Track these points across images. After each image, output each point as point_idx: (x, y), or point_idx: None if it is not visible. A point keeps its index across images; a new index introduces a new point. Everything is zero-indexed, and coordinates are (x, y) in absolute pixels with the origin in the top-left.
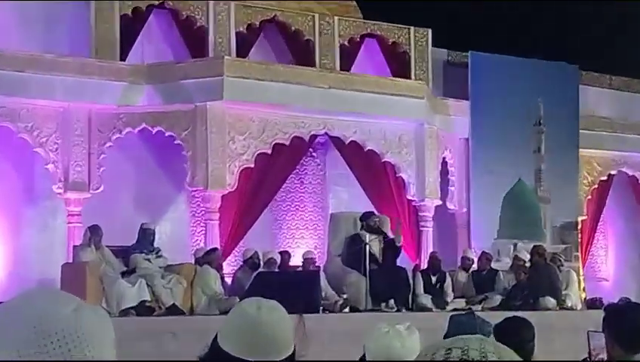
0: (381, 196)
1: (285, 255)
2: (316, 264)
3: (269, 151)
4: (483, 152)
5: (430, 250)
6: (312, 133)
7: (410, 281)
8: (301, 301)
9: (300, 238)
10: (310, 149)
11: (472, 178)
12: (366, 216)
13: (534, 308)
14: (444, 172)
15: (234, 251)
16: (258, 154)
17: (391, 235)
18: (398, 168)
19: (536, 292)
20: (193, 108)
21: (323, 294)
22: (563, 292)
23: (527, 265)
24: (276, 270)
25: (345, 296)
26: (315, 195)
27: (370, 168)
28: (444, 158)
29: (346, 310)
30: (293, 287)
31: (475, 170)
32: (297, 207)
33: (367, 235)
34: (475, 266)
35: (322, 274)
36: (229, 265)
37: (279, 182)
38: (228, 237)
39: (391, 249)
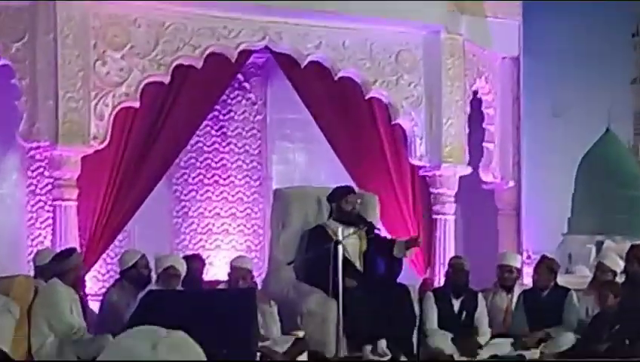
0: (363, 159)
1: (195, 262)
2: (252, 278)
3: (167, 80)
4: (545, 82)
5: (451, 253)
6: (243, 46)
7: (416, 308)
8: (223, 341)
9: (221, 233)
10: (239, 77)
11: (524, 127)
12: (338, 194)
13: (632, 355)
14: (477, 117)
15: (105, 255)
16: (146, 85)
17: (379, 226)
18: (394, 110)
19: (636, 327)
20: (33, 6)
21: (262, 330)
22: None
23: (620, 279)
24: (179, 287)
25: (300, 334)
26: (248, 158)
27: (344, 110)
28: (475, 93)
29: (303, 358)
30: (211, 317)
31: (530, 114)
32: (217, 178)
33: (341, 228)
34: (528, 282)
35: (271, 302)
36: (97, 280)
37: (185, 134)
38: (94, 230)
39: (380, 250)
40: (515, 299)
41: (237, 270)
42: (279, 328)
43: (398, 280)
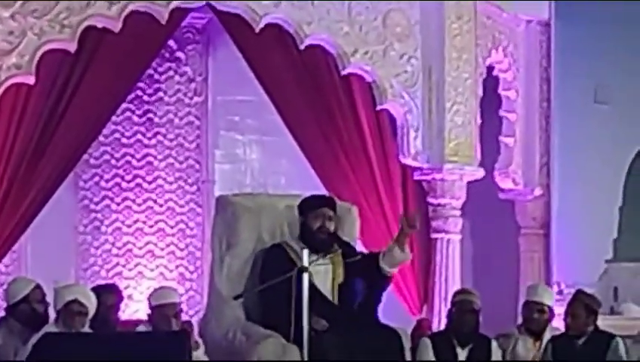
0: (338, 157)
1: (109, 295)
2: (180, 314)
3: (73, 47)
4: (585, 57)
5: (455, 286)
6: (177, 3)
7: (407, 359)
8: None
9: (145, 256)
10: (172, 45)
11: (555, 117)
12: (304, 206)
13: None
14: (492, 102)
15: None
16: (45, 54)
17: (359, 247)
18: (381, 91)
19: None
20: None
21: None
22: None
23: None
24: (86, 329)
25: None
26: (182, 155)
27: (313, 91)
28: (490, 69)
29: None
30: None
31: (564, 99)
32: (139, 181)
33: (307, 251)
34: (558, 325)
35: (197, 341)
36: None
37: (96, 121)
38: None
39: (362, 279)
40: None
41: (159, 309)
42: None
43: (385, 322)
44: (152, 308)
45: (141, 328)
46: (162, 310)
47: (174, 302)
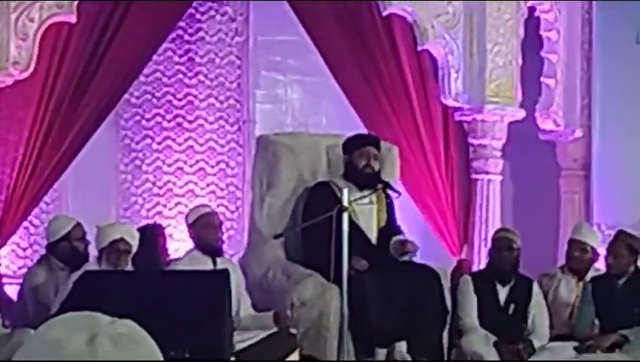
0: (379, 98)
1: (152, 233)
2: (225, 253)
3: None
4: None
5: (496, 226)
6: None
7: (448, 299)
8: (188, 338)
9: (185, 195)
10: None
11: (597, 58)
12: (352, 144)
13: None
14: (533, 42)
15: (27, 222)
16: None
17: (398, 188)
18: (422, 31)
19: None
20: None
21: (235, 324)
22: None
23: None
24: (129, 267)
25: (292, 331)
26: (223, 94)
27: (354, 32)
28: (531, 10)
29: (294, 357)
30: (170, 305)
31: (606, 39)
32: (180, 120)
33: (348, 188)
34: (600, 266)
35: (239, 277)
36: (16, 256)
37: (137, 60)
38: (12, 188)
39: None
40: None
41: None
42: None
43: (425, 262)
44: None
45: (179, 266)
46: (202, 219)
47: (209, 210)
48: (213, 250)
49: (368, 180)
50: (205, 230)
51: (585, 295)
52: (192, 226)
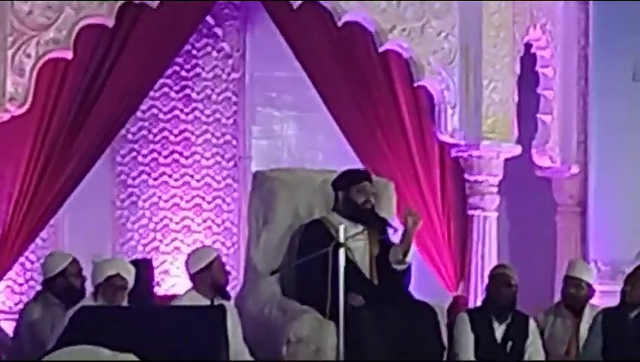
0: (375, 134)
1: (144, 268)
2: (224, 267)
3: (110, 22)
4: (623, 34)
5: (492, 262)
6: None
7: (444, 334)
8: None
9: (181, 231)
10: (209, 20)
11: (593, 95)
12: (348, 180)
13: None
14: (530, 79)
15: (23, 258)
16: (83, 29)
17: (396, 225)
18: (418, 68)
19: None
20: None
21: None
22: None
23: None
24: (124, 302)
25: None
26: (220, 130)
27: (350, 68)
28: (527, 47)
29: None
30: (167, 341)
31: (602, 76)
32: (176, 157)
33: (344, 224)
34: (597, 301)
35: (233, 314)
36: (12, 292)
37: (134, 96)
38: (9, 224)
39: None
40: (584, 326)
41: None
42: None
43: (421, 298)
44: (190, 270)
45: (176, 302)
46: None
47: (214, 256)
48: (223, 292)
49: (367, 216)
50: (219, 275)
51: (594, 326)
52: (202, 272)
